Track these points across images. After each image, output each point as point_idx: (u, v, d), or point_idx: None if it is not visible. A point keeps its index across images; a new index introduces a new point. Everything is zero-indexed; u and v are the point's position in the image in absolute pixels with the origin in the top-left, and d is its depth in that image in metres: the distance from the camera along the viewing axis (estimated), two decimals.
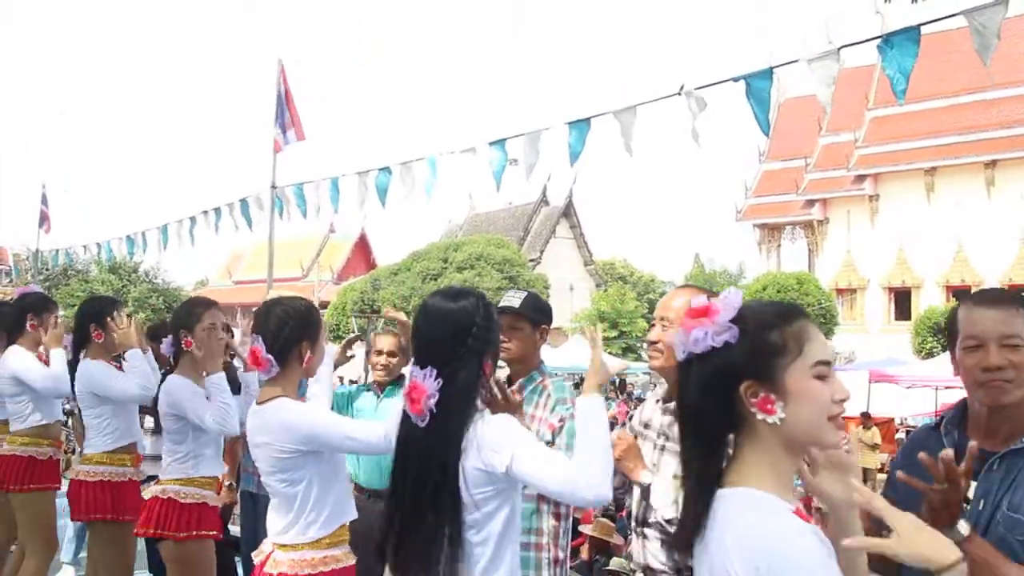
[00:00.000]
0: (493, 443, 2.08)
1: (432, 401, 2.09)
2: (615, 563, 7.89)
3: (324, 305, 41.96)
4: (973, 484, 2.09)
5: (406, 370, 2.82)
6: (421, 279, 36.63)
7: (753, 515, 1.42)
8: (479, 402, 2.20)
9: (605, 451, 2.10)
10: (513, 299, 3.45)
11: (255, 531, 4.47)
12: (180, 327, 3.91)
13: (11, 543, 5.10)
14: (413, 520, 2.10)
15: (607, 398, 24.43)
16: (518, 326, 3.40)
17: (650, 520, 2.65)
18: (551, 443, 3.30)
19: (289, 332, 2.90)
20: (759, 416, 1.47)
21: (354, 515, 2.97)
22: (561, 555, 3.35)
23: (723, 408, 1.50)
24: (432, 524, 2.07)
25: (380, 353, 4.60)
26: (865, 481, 16.31)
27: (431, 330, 2.18)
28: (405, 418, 2.20)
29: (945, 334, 2.34)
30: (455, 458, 2.08)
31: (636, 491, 2.77)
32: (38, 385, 4.63)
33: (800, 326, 1.51)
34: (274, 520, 2.91)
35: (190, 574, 3.80)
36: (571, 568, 3.93)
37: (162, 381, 4.02)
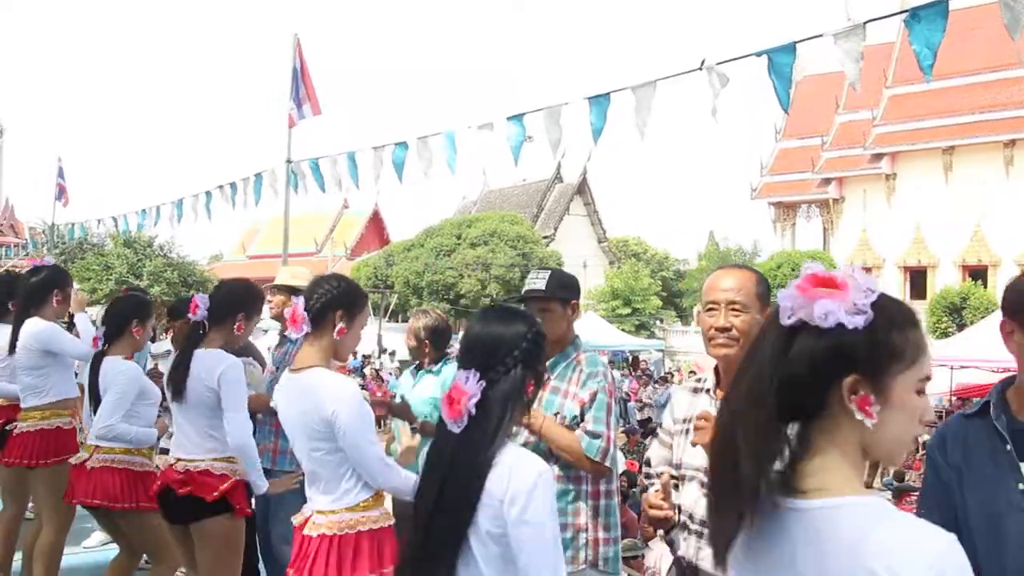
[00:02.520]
0: (514, 490, 2.02)
1: (473, 402, 2.05)
2: (625, 544, 7.89)
3: None
4: None
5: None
6: (434, 255, 36.64)
7: (892, 525, 1.28)
8: (516, 418, 2.15)
9: None
10: (538, 281, 3.40)
11: (267, 506, 4.48)
12: (240, 310, 3.95)
13: (22, 516, 5.11)
14: (431, 531, 2.07)
15: (624, 376, 24.48)
16: (548, 307, 3.35)
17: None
18: (580, 418, 3.26)
19: (327, 298, 2.97)
20: (856, 414, 1.34)
21: None
22: (603, 535, 3.30)
23: (815, 391, 1.36)
24: (447, 535, 2.04)
25: (409, 336, 4.82)
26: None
27: (479, 341, 2.16)
28: (439, 428, 2.17)
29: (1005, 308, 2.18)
30: (476, 472, 2.03)
31: (692, 485, 2.63)
32: (80, 352, 4.64)
33: (920, 335, 1.40)
34: (311, 485, 2.97)
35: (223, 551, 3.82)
36: None
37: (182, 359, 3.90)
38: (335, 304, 2.99)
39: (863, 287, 1.36)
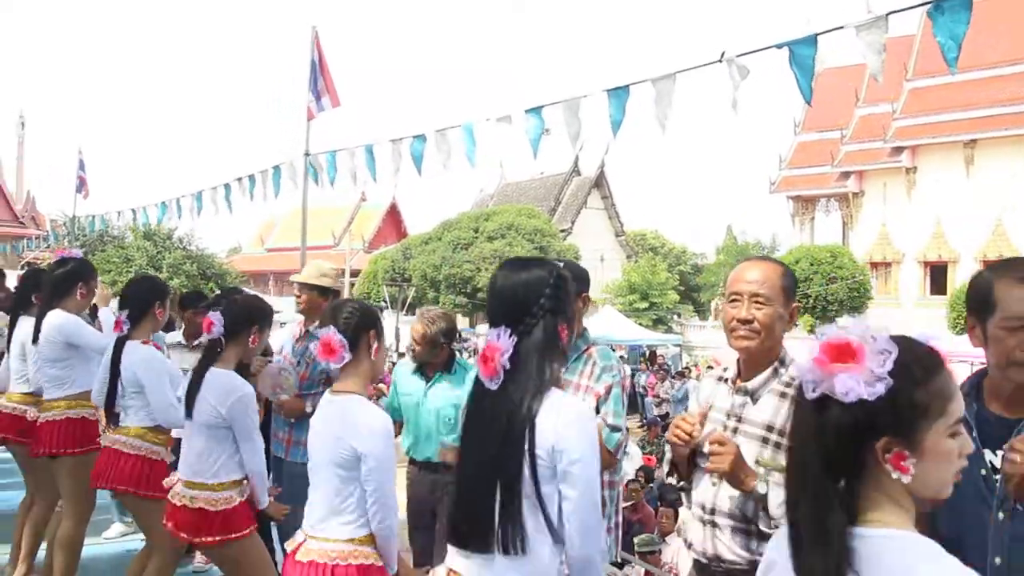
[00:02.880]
0: (558, 431, 2.05)
1: (506, 357, 2.07)
2: (642, 540, 7.88)
3: (355, 273, 42.15)
4: (999, 453, 2.05)
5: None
6: (452, 248, 36.65)
7: (936, 567, 1.35)
8: (554, 369, 2.15)
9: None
10: None
11: (281, 496, 4.50)
12: (256, 323, 3.95)
13: (52, 509, 5.15)
14: (477, 490, 2.08)
15: (638, 370, 24.43)
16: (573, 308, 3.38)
17: (754, 520, 2.50)
18: (595, 411, 3.29)
19: (358, 320, 3.02)
20: (892, 473, 1.40)
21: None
22: (610, 523, 3.37)
23: (851, 456, 1.42)
24: (494, 494, 2.05)
25: (413, 337, 4.71)
26: None
27: (505, 291, 2.17)
28: (476, 386, 2.18)
29: (968, 304, 2.24)
30: (523, 421, 2.04)
31: (704, 479, 2.64)
32: (101, 345, 4.68)
33: (944, 379, 1.43)
34: (314, 509, 2.97)
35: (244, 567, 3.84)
36: None
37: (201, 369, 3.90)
38: (365, 326, 3.04)
39: (879, 351, 1.38)
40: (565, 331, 2.17)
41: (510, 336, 2.08)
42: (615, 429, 3.30)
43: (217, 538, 3.69)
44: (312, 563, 2.84)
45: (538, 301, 2.12)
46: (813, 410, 1.43)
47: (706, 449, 2.55)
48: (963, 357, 19.01)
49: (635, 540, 7.85)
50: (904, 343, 1.43)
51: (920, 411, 1.40)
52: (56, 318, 4.69)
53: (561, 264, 2.33)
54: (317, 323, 4.97)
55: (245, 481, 3.80)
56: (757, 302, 2.55)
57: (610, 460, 3.31)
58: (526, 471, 2.04)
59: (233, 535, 3.71)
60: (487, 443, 2.09)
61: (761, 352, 2.59)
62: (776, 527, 2.39)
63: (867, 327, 1.42)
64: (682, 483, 2.87)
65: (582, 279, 3.51)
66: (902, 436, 1.39)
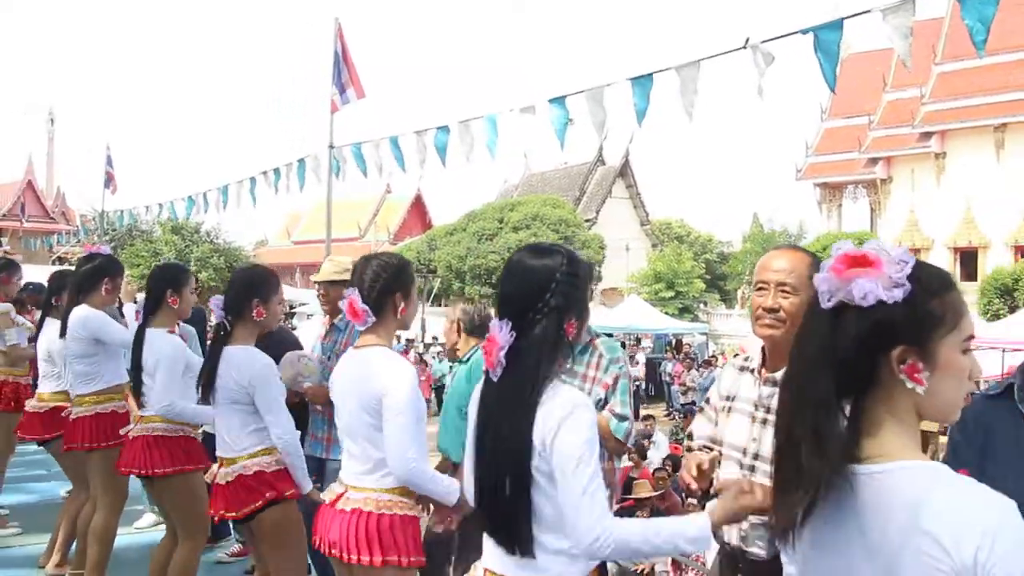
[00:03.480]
0: (551, 421, 2.02)
1: (502, 353, 2.05)
2: None
3: None
4: None
5: None
6: (477, 239, 36.70)
7: (950, 490, 1.30)
8: (557, 364, 2.13)
9: (639, 549, 2.06)
10: None
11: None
12: (254, 296, 3.82)
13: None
14: (492, 483, 2.08)
15: (664, 359, 24.35)
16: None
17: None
18: (604, 401, 3.35)
19: (383, 284, 3.01)
20: (907, 383, 1.38)
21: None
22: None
23: (865, 367, 1.39)
24: (505, 486, 2.05)
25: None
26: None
27: (510, 284, 2.15)
28: (485, 380, 2.19)
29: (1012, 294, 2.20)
30: (522, 417, 2.03)
31: (731, 464, 2.61)
32: (126, 340, 4.69)
33: (957, 296, 1.43)
34: (354, 461, 3.00)
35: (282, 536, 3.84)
36: None
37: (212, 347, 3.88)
38: (392, 289, 3.03)
39: (896, 260, 1.38)
40: (573, 327, 2.13)
41: (510, 331, 2.06)
42: (623, 419, 3.36)
43: (258, 503, 3.67)
44: (356, 511, 2.89)
45: (543, 296, 2.09)
46: (828, 320, 1.41)
47: (728, 438, 2.57)
48: (994, 343, 18.80)
49: None
50: (925, 265, 1.43)
51: (936, 320, 1.39)
52: (81, 312, 4.73)
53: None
54: (341, 316, 5.00)
55: (277, 453, 3.77)
56: (783, 291, 2.53)
57: (619, 447, 3.43)
58: (529, 466, 2.03)
59: (272, 494, 3.69)
60: (490, 434, 2.10)
61: (786, 341, 2.56)
62: None
63: (900, 247, 1.42)
64: (700, 498, 2.86)
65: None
66: (918, 345, 1.37)
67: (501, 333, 2.07)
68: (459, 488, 2.95)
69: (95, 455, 4.77)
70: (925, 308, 1.38)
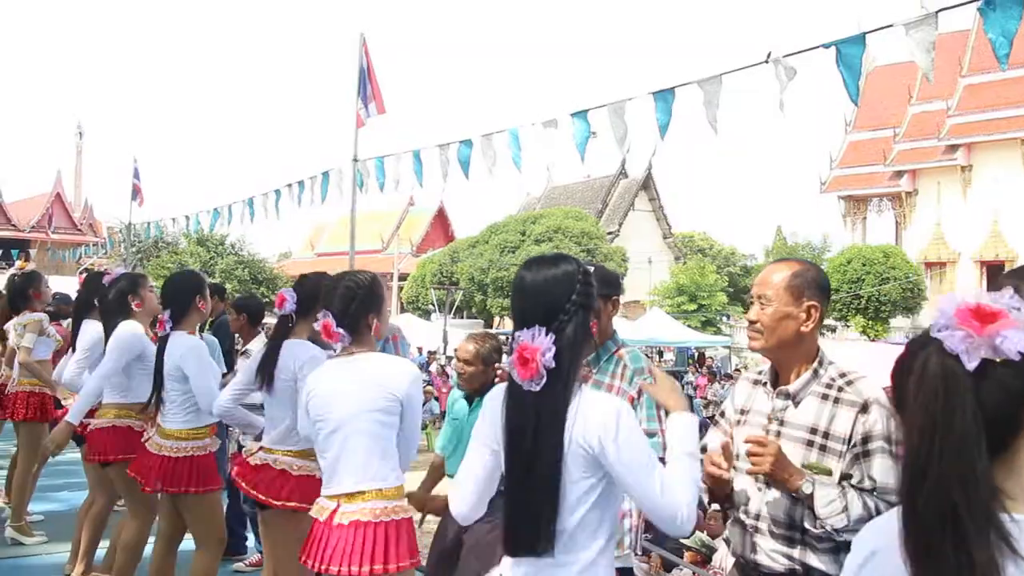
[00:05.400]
0: (602, 424, 2.05)
1: (550, 355, 2.04)
2: (695, 539, 7.83)
3: (404, 277, 42.45)
4: None
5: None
6: (499, 251, 36.74)
7: None
8: (583, 360, 2.17)
9: (697, 480, 2.16)
10: None
11: None
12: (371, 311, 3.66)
13: (110, 507, 5.27)
14: (530, 495, 2.08)
15: (686, 371, 24.27)
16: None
17: (806, 526, 2.45)
18: None
19: (356, 307, 3.12)
20: None
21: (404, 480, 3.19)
22: (642, 523, 3.41)
23: (1011, 424, 1.30)
24: (540, 498, 2.05)
25: (459, 361, 4.41)
26: None
27: (534, 291, 2.14)
28: (511, 394, 2.16)
29: None
30: (559, 418, 2.05)
31: (747, 483, 2.61)
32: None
33: None
34: (347, 471, 3.03)
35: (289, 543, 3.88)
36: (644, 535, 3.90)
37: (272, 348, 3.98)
38: (365, 310, 3.14)
39: (1014, 306, 1.28)
40: (596, 325, 2.19)
41: (547, 335, 2.06)
42: (651, 435, 3.34)
43: (292, 504, 3.76)
44: (355, 523, 2.94)
45: (570, 297, 2.11)
46: (971, 383, 1.27)
47: (743, 450, 2.53)
48: None
49: (683, 541, 7.80)
50: None
51: None
52: (123, 328, 4.78)
53: (591, 267, 2.34)
54: None
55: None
56: (761, 303, 2.58)
57: None
58: (572, 469, 2.05)
59: (304, 504, 3.72)
60: (535, 446, 2.07)
61: (780, 352, 2.60)
62: (822, 527, 2.38)
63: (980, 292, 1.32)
64: (724, 505, 2.85)
65: (612, 283, 3.58)
66: None
67: (539, 339, 2.06)
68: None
69: (116, 468, 4.83)
70: None
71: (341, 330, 3.06)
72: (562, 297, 2.12)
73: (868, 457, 2.40)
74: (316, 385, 3.15)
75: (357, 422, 3.01)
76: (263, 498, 3.82)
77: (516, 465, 2.13)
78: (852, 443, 2.43)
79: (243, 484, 3.92)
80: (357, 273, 3.29)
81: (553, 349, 2.05)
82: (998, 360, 1.26)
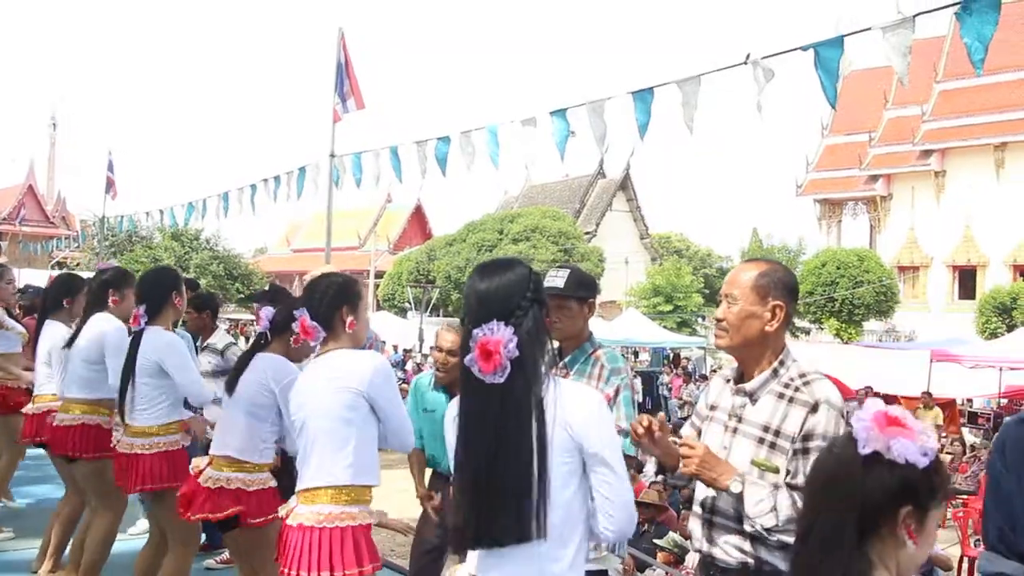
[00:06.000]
0: (586, 411, 2.13)
1: (512, 345, 2.08)
2: (668, 540, 7.85)
3: (380, 275, 42.32)
4: None
5: None
6: (476, 250, 36.72)
7: None
8: (547, 351, 2.20)
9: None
10: (557, 279, 3.48)
11: None
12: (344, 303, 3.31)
13: (84, 504, 5.21)
14: (497, 495, 2.08)
15: (661, 372, 24.36)
16: (565, 305, 3.47)
17: (741, 522, 2.49)
18: None
19: (329, 300, 3.13)
20: (906, 541, 1.56)
21: (377, 483, 3.11)
22: None
23: (878, 515, 1.56)
24: (517, 494, 2.06)
25: (440, 351, 4.35)
26: None
27: (487, 295, 2.18)
28: (467, 389, 2.18)
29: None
30: (536, 413, 2.08)
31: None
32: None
33: (945, 472, 1.62)
34: (306, 468, 3.03)
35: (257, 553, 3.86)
36: None
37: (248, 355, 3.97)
38: (337, 303, 3.13)
39: (923, 431, 1.56)
40: (549, 320, 2.25)
41: (506, 326, 2.10)
42: (627, 434, 3.34)
43: (259, 519, 3.75)
44: (300, 526, 2.93)
45: (524, 295, 2.16)
46: (859, 465, 1.56)
47: (680, 449, 2.56)
48: (993, 362, 18.81)
49: (656, 541, 7.82)
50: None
51: (937, 492, 1.57)
52: (99, 322, 4.73)
53: (567, 269, 2.36)
54: None
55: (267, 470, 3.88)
56: (728, 301, 2.63)
57: (632, 462, 3.42)
58: (554, 456, 2.09)
59: (260, 519, 3.77)
60: (499, 438, 2.09)
61: (745, 351, 2.64)
62: (753, 527, 2.43)
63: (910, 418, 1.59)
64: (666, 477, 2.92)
65: (589, 286, 3.59)
66: (920, 509, 1.55)
67: (498, 332, 2.09)
68: None
69: (80, 465, 4.77)
70: (933, 479, 1.55)
71: (315, 324, 3.06)
72: (517, 295, 2.17)
73: (806, 455, 2.44)
74: (297, 390, 3.17)
75: (319, 420, 3.00)
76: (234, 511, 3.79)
77: (476, 457, 2.13)
78: (795, 441, 2.47)
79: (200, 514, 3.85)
80: (336, 273, 3.32)
81: (515, 339, 2.09)
82: (886, 458, 1.53)
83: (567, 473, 2.11)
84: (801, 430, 2.46)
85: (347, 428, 2.98)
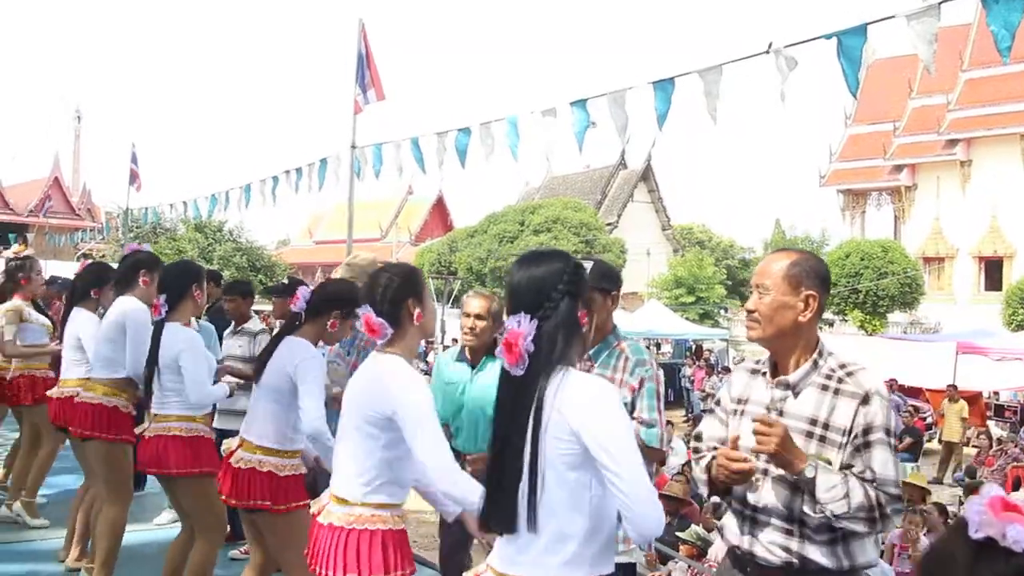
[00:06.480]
0: (584, 401, 2.09)
1: (529, 340, 2.09)
2: (691, 532, 7.84)
3: None
4: None
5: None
6: (497, 241, 36.73)
7: None
8: (576, 353, 2.19)
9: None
10: None
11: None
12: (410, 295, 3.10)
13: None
14: (507, 479, 2.11)
15: (683, 364, 24.27)
16: (590, 297, 3.43)
17: (800, 511, 2.44)
18: (631, 405, 3.39)
19: (394, 293, 2.93)
20: None
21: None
22: None
23: None
24: (518, 478, 2.08)
25: (468, 315, 4.36)
26: (951, 455, 15.89)
27: (520, 286, 2.20)
28: (503, 377, 2.20)
29: None
30: (536, 404, 2.08)
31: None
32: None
33: None
34: (339, 468, 2.95)
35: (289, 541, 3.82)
36: None
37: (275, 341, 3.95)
38: (403, 296, 2.94)
39: None
40: (585, 316, 2.20)
41: (531, 320, 2.11)
42: (650, 425, 3.39)
43: (282, 506, 3.75)
44: (331, 526, 2.85)
45: (556, 287, 2.15)
46: (971, 550, 1.48)
47: (743, 441, 2.51)
48: (1020, 354, 18.63)
49: (679, 535, 7.81)
50: None
51: None
52: (122, 303, 4.76)
53: (590, 260, 2.36)
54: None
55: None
56: (759, 292, 2.59)
57: (656, 454, 3.45)
58: (552, 447, 2.08)
59: (293, 504, 3.77)
60: (518, 431, 2.11)
61: (778, 342, 2.59)
62: (821, 512, 2.38)
63: None
64: (724, 498, 2.83)
65: (612, 278, 3.57)
66: None
67: (523, 324, 2.11)
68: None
69: (94, 446, 4.79)
70: None
71: (381, 320, 2.87)
72: (548, 287, 2.16)
73: (868, 448, 2.41)
74: (351, 383, 3.03)
75: (350, 427, 2.92)
76: (261, 503, 3.78)
77: (496, 442, 2.17)
78: (853, 434, 2.42)
79: (233, 500, 3.85)
80: (396, 264, 3.19)
81: (533, 333, 2.10)
82: (1000, 544, 1.44)
83: (564, 465, 2.08)
84: (854, 423, 2.42)
85: (373, 444, 2.86)
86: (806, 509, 2.42)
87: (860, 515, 2.35)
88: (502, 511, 2.12)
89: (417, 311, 2.96)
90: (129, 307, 4.74)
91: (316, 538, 2.92)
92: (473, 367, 4.45)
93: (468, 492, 2.63)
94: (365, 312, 2.91)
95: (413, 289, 2.99)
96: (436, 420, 2.79)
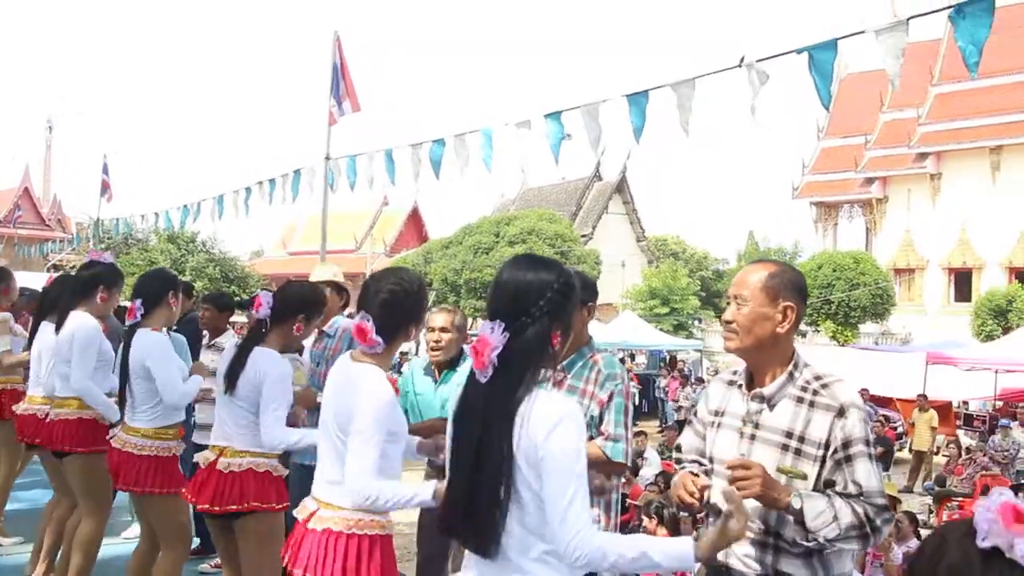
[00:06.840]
0: (544, 423, 2.05)
1: (495, 353, 2.07)
2: None
3: None
4: None
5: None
6: (473, 253, 36.68)
7: None
8: (543, 371, 2.16)
9: (614, 565, 2.06)
10: None
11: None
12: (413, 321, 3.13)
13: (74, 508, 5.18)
14: (474, 485, 2.09)
15: (658, 375, 24.32)
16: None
17: (794, 538, 2.41)
18: (599, 418, 3.41)
19: (400, 317, 2.91)
20: None
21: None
22: (611, 524, 3.45)
23: None
24: (487, 488, 2.06)
25: (432, 330, 4.40)
26: (921, 464, 16.03)
27: (507, 287, 2.16)
28: (469, 376, 2.19)
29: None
30: (508, 417, 2.06)
31: (720, 480, 2.53)
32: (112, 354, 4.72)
33: None
34: (327, 473, 2.92)
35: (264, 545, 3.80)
36: None
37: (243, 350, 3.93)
38: (407, 321, 2.93)
39: None
40: (558, 337, 2.16)
41: (503, 332, 2.08)
42: (616, 440, 3.40)
43: (278, 505, 3.76)
44: (327, 531, 2.81)
45: (537, 303, 2.11)
46: (979, 561, 1.43)
47: (717, 454, 2.52)
48: (988, 364, 18.85)
49: None
50: None
51: None
52: (77, 320, 4.72)
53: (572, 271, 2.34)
54: (331, 323, 5.00)
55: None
56: (737, 303, 2.58)
57: (619, 468, 3.50)
58: (522, 468, 2.05)
59: (265, 505, 3.74)
60: (471, 437, 2.11)
61: (755, 353, 2.59)
62: (814, 539, 2.35)
63: None
64: (692, 511, 2.83)
65: (589, 288, 3.59)
66: None
67: (494, 334, 2.09)
68: (430, 489, 2.77)
69: (72, 461, 4.74)
70: None
71: (379, 338, 2.82)
72: (530, 301, 2.12)
73: (851, 462, 2.40)
74: (326, 386, 3.02)
75: (329, 433, 2.91)
76: (263, 505, 3.76)
77: (463, 448, 2.15)
78: (832, 448, 2.42)
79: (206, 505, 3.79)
80: (403, 275, 3.01)
81: (500, 347, 2.07)
82: (1007, 555, 1.39)
83: (526, 485, 2.05)
84: (831, 437, 2.41)
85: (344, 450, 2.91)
86: (796, 538, 2.40)
87: (852, 534, 2.34)
88: (479, 536, 2.08)
89: (412, 332, 2.99)
90: (78, 323, 4.71)
91: (304, 543, 2.87)
92: (435, 381, 4.50)
93: (383, 503, 2.74)
94: (363, 322, 2.83)
95: (418, 313, 2.98)
96: (379, 433, 2.76)
